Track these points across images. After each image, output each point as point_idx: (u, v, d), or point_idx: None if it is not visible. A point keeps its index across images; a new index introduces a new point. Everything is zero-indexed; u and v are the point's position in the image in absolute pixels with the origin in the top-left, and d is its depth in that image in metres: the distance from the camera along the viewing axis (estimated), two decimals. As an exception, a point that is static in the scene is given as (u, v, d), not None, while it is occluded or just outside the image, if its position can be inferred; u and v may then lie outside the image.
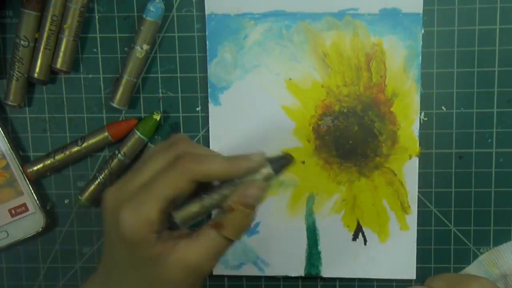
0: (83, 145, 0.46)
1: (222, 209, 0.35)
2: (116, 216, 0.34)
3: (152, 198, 0.34)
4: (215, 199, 0.35)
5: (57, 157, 0.46)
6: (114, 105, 0.45)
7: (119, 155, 0.45)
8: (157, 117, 0.45)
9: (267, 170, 0.35)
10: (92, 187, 0.46)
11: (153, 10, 0.43)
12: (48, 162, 0.46)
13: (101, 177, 0.46)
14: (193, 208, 0.35)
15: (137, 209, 0.34)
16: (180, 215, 0.35)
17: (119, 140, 0.46)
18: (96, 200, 0.47)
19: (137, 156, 0.46)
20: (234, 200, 0.34)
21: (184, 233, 0.36)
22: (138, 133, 0.45)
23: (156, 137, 0.45)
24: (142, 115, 0.46)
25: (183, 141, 0.36)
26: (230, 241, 0.35)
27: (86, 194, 0.46)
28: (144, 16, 0.43)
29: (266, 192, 0.35)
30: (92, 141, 0.46)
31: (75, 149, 0.46)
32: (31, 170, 0.46)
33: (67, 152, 0.46)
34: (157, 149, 0.36)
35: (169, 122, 0.46)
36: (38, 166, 0.46)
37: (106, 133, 0.45)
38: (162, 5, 0.43)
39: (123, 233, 0.34)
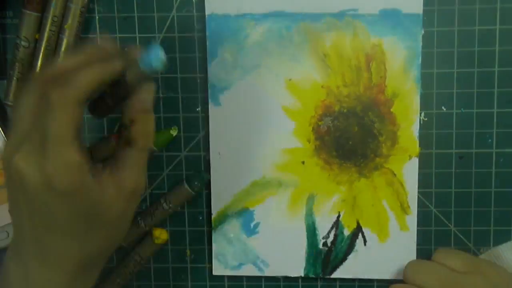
0: (91, 156, 0.45)
1: (125, 126, 0.35)
2: (32, 170, 0.32)
3: (61, 141, 0.32)
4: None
5: None
6: None
7: None
8: (174, 133, 0.45)
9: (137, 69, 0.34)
10: None
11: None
12: None
13: None
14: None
15: (56, 157, 0.32)
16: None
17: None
18: None
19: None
20: (132, 112, 0.35)
21: (103, 164, 0.35)
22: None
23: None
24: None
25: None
26: (147, 151, 0.35)
27: None
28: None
29: (153, 89, 0.35)
30: (98, 150, 0.45)
31: None
32: None
33: None
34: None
35: (169, 123, 0.46)
36: None
37: (113, 143, 0.45)
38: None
39: (55, 186, 0.32)
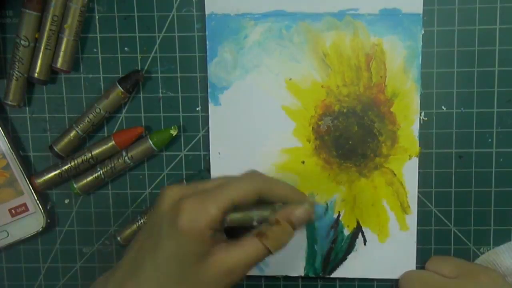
0: (91, 155, 0.45)
1: (267, 222, 0.37)
2: (176, 207, 0.35)
3: (218, 197, 0.36)
4: (260, 214, 0.38)
5: (65, 168, 0.46)
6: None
7: (126, 157, 0.45)
8: (174, 132, 0.45)
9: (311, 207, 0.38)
10: (89, 178, 0.46)
11: None
12: (55, 173, 0.46)
13: (101, 172, 0.46)
14: (240, 215, 0.37)
15: (202, 203, 0.35)
16: (228, 217, 0.37)
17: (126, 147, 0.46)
18: (89, 191, 0.46)
19: (143, 161, 0.46)
20: (281, 215, 0.37)
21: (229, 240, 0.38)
22: (151, 142, 0.45)
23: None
24: (143, 115, 0.46)
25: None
26: (268, 252, 0.37)
27: (81, 183, 0.46)
28: None
29: (310, 220, 0.38)
30: (98, 151, 0.45)
31: (82, 159, 0.46)
32: (38, 181, 0.46)
33: (74, 163, 0.46)
34: None
35: (169, 123, 0.46)
36: (46, 178, 0.46)
37: (113, 142, 0.45)
38: None
39: (182, 224, 0.35)
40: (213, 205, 0.35)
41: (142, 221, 0.46)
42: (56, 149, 0.46)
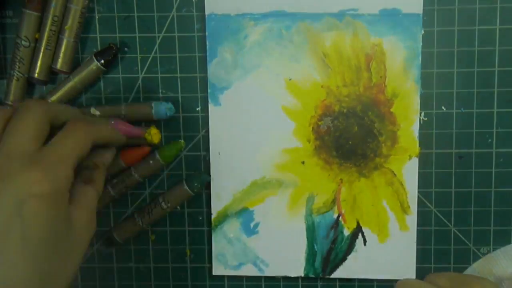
0: None
1: (88, 167, 0.40)
2: (28, 173, 0.34)
3: (67, 156, 0.36)
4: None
5: None
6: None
7: (136, 175, 0.45)
8: (181, 145, 0.46)
9: None
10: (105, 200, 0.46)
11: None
12: None
13: (110, 190, 0.46)
14: None
15: (55, 166, 0.35)
16: None
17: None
18: (99, 209, 0.46)
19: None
20: (99, 160, 0.40)
21: None
22: (159, 158, 0.45)
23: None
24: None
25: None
26: (99, 195, 0.39)
27: None
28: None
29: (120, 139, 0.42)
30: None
31: None
32: None
33: None
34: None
35: (169, 123, 0.46)
36: None
37: (119, 159, 0.45)
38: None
39: (41, 191, 0.34)
40: (66, 168, 0.35)
41: (140, 220, 0.46)
42: None
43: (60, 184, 0.35)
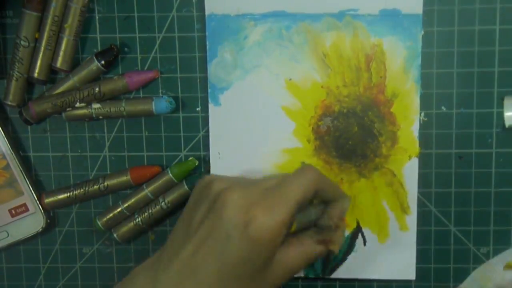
0: (104, 185, 0.46)
1: (327, 227, 0.38)
2: (246, 214, 0.35)
3: (286, 200, 0.36)
4: (316, 214, 0.39)
5: (76, 192, 0.46)
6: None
7: (147, 191, 0.46)
8: (194, 164, 0.46)
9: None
10: (111, 214, 0.46)
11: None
12: (66, 195, 0.46)
13: (123, 208, 0.46)
14: (302, 216, 0.39)
15: (272, 209, 0.35)
16: (297, 219, 0.38)
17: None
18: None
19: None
20: (337, 218, 0.39)
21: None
22: (171, 175, 0.45)
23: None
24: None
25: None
26: (329, 252, 0.39)
27: (104, 219, 0.46)
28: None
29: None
30: (113, 182, 0.46)
31: (96, 187, 0.46)
32: (48, 200, 0.46)
33: (88, 189, 0.46)
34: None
35: (169, 123, 0.46)
36: (55, 198, 0.46)
37: (128, 177, 0.45)
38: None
39: (254, 232, 0.34)
40: (282, 210, 0.35)
41: (140, 219, 0.46)
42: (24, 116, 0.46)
43: (271, 229, 0.35)
